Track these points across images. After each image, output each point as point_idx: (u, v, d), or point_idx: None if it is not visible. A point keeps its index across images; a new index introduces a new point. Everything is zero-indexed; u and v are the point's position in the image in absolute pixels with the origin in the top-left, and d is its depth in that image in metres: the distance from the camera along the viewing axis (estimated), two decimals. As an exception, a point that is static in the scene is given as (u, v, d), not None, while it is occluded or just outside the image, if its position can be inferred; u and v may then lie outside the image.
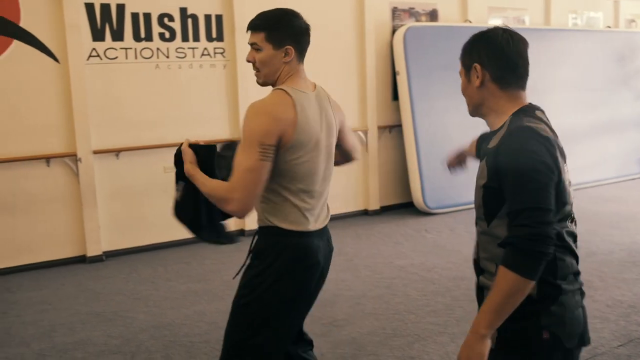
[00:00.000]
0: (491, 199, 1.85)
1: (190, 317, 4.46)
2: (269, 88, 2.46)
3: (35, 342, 4.12)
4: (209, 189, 2.27)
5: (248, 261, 2.43)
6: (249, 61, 2.39)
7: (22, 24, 5.54)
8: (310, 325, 4.17)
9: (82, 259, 5.89)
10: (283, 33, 2.32)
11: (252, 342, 2.34)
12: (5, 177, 5.55)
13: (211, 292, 4.98)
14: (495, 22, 8.43)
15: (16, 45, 5.53)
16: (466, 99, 2.01)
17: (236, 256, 5.81)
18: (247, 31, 2.36)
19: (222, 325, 4.09)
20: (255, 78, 2.48)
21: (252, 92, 6.40)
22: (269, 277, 2.32)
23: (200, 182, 2.30)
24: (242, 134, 2.25)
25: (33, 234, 5.69)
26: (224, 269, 5.53)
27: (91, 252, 5.90)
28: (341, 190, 7.30)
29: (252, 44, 2.35)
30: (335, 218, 7.11)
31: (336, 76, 7.11)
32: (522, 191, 1.73)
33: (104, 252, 5.97)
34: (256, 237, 2.42)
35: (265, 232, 2.38)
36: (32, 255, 5.69)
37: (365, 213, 7.56)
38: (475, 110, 2.00)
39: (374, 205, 7.56)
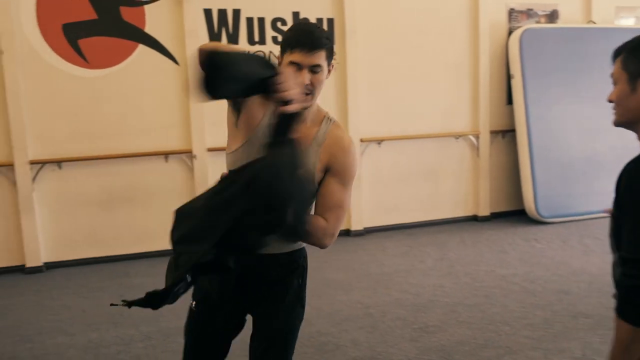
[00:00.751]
0: (617, 231, 1.68)
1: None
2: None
3: (144, 325, 4.43)
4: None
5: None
6: (305, 84, 2.02)
7: (146, 30, 5.95)
8: (401, 328, 4.22)
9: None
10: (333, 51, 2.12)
11: None
12: (128, 171, 5.99)
13: (309, 289, 5.02)
14: (624, 22, 7.97)
15: (141, 49, 5.96)
16: (618, 109, 1.76)
17: (342, 255, 5.94)
18: (303, 51, 1.98)
19: (316, 322, 4.27)
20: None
21: (362, 95, 6.55)
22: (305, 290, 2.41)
23: None
24: (348, 170, 2.14)
25: (150, 224, 6.11)
26: (325, 267, 5.66)
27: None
28: (450, 195, 7.24)
29: (314, 66, 2.01)
30: (442, 223, 7.15)
31: (447, 78, 7.06)
32: (637, 238, 1.58)
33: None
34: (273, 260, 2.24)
35: (297, 253, 2.33)
36: (147, 244, 6.09)
37: (474, 219, 7.42)
38: (629, 123, 1.75)
39: (484, 212, 7.40)
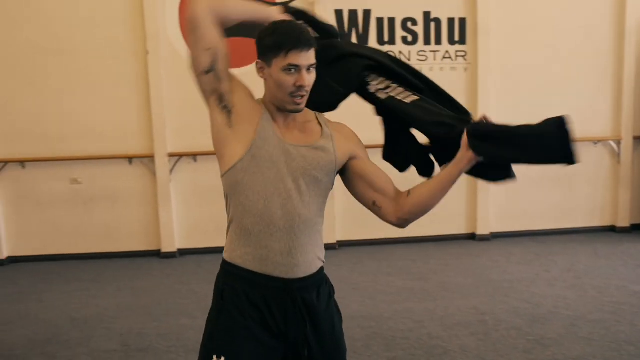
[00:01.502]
0: None
1: (398, 313, 4.64)
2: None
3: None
4: None
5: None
6: (303, 86, 1.89)
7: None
8: (515, 339, 4.11)
9: (318, 246, 6.41)
10: None
11: None
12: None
13: (426, 292, 5.10)
14: None
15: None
16: None
17: (464, 259, 5.87)
18: (301, 50, 1.85)
19: (428, 325, 4.27)
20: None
21: (492, 97, 6.39)
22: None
23: None
24: (363, 146, 2.18)
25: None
26: (446, 270, 5.62)
27: (326, 239, 6.34)
28: (584, 203, 6.89)
29: (311, 65, 1.90)
30: (574, 232, 6.83)
31: (585, 80, 6.71)
32: None
33: (338, 242, 6.43)
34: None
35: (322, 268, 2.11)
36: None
37: (611, 230, 7.01)
38: None
39: (623, 222, 6.96)
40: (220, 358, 1.90)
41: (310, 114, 2.08)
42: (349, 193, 6.80)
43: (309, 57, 1.88)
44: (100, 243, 6.16)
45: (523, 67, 6.52)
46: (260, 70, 1.95)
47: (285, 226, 1.91)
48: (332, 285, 2.15)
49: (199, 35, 1.84)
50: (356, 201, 6.67)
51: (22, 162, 6.06)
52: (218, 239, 6.26)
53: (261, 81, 1.96)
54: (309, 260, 1.98)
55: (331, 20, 6.20)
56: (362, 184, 2.14)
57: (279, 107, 1.95)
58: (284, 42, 1.85)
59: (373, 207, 2.18)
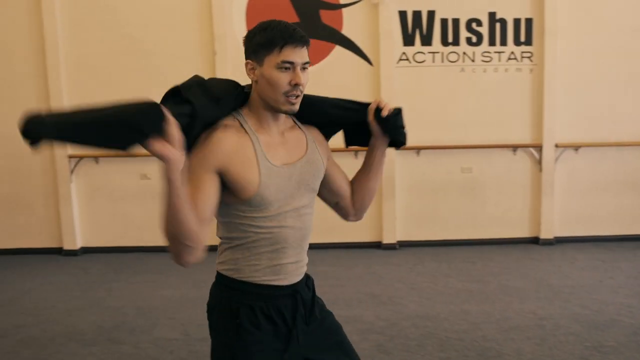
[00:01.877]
0: None
1: (455, 314, 4.64)
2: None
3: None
4: None
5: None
6: (298, 84, 1.83)
7: (343, 32, 6.26)
8: (572, 344, 4.06)
9: (377, 245, 6.47)
10: None
11: None
12: (319, 165, 6.37)
13: (484, 294, 5.08)
14: None
15: (337, 50, 6.29)
16: None
17: (525, 263, 5.80)
18: (295, 47, 1.82)
19: (483, 327, 4.25)
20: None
21: (559, 98, 6.28)
22: None
23: None
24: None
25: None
26: (505, 273, 5.57)
27: (387, 239, 6.44)
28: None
29: (306, 63, 1.86)
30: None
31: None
32: None
33: (398, 242, 6.46)
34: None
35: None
36: (336, 234, 6.43)
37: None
38: None
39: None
40: None
41: (289, 118, 2.02)
42: (410, 193, 6.87)
43: (303, 54, 1.83)
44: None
45: (591, 68, 6.36)
46: (250, 71, 1.89)
47: (296, 241, 1.96)
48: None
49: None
50: (417, 201, 6.73)
51: (96, 158, 6.36)
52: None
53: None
54: (306, 262, 2.07)
55: (394, 22, 6.23)
56: (329, 186, 2.13)
57: (271, 108, 1.88)
58: (278, 38, 1.80)
59: (336, 207, 2.21)
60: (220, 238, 1.97)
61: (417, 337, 4.25)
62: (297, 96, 1.86)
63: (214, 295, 2.01)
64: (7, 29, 6.25)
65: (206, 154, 1.80)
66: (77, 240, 6.48)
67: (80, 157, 6.34)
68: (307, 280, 2.12)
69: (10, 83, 6.31)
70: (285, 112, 1.89)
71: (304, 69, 1.84)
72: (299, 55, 1.82)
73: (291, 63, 1.81)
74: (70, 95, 6.28)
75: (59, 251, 6.51)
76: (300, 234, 1.96)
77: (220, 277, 1.99)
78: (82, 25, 6.24)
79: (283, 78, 1.81)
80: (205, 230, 1.74)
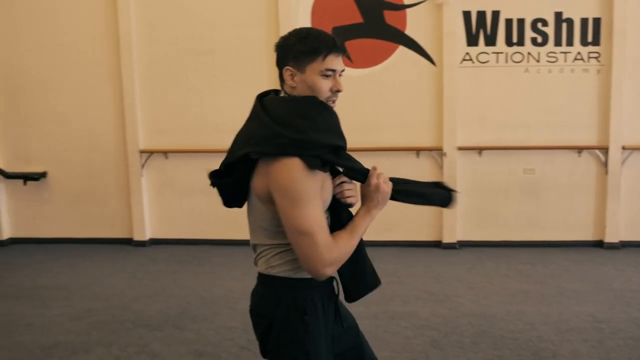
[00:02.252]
0: None
1: (511, 314, 4.63)
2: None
3: (374, 306, 4.82)
4: None
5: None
6: (339, 90, 1.99)
7: (407, 32, 6.32)
8: (631, 349, 4.02)
9: (438, 244, 6.49)
10: None
11: None
12: (379, 164, 6.41)
13: (542, 295, 5.04)
14: None
15: (401, 50, 6.35)
16: None
17: (587, 266, 5.72)
18: (337, 55, 1.94)
19: (539, 327, 4.25)
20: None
21: (627, 99, 6.16)
22: None
23: None
24: None
25: (400, 214, 6.50)
26: (565, 276, 5.51)
27: (447, 239, 6.45)
28: None
29: (342, 71, 2.00)
30: None
31: None
32: None
33: (458, 241, 6.46)
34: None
35: None
36: (396, 232, 6.49)
37: None
38: None
39: None
40: None
41: None
42: (471, 193, 6.89)
43: (341, 62, 1.96)
44: (230, 230, 6.55)
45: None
46: (290, 77, 1.95)
47: None
48: None
49: None
50: (478, 202, 6.72)
51: (165, 153, 6.64)
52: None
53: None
54: None
55: (458, 22, 6.23)
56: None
57: None
58: (321, 47, 1.90)
59: None
60: (269, 245, 2.03)
61: (472, 334, 4.28)
62: (334, 101, 2.00)
63: (273, 298, 2.04)
64: (85, 30, 6.60)
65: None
66: (147, 231, 6.78)
67: (151, 152, 6.63)
68: None
69: (87, 81, 6.66)
70: None
71: (341, 75, 1.98)
72: (339, 63, 1.95)
73: (333, 70, 1.94)
74: (142, 93, 6.58)
75: (129, 242, 6.82)
76: None
77: (276, 279, 2.03)
78: (155, 27, 6.53)
79: (325, 84, 1.94)
80: None
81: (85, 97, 6.68)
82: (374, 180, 2.03)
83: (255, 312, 2.10)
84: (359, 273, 2.10)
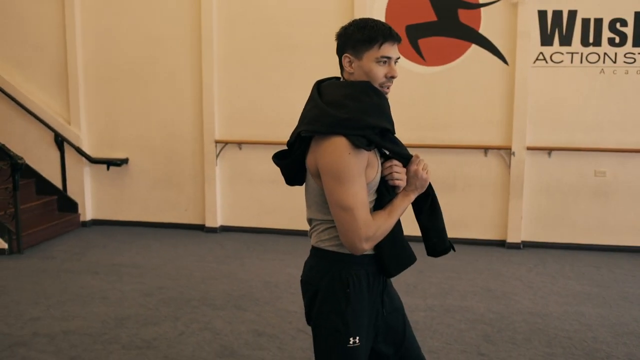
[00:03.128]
0: None
1: (568, 314, 4.61)
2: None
3: (430, 299, 4.90)
4: None
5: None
6: (394, 76, 2.13)
7: (480, 30, 6.32)
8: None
9: (502, 244, 6.47)
10: None
11: None
12: (447, 161, 6.49)
13: (602, 298, 4.97)
14: None
15: (473, 48, 6.35)
16: None
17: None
18: (392, 43, 2.09)
19: (596, 329, 4.24)
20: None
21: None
22: None
23: None
24: None
25: (465, 212, 6.53)
26: (631, 281, 5.40)
27: (511, 238, 6.42)
28: None
29: (397, 59, 2.15)
30: None
31: None
32: None
33: (522, 242, 6.42)
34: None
35: None
36: (460, 230, 6.52)
37: None
38: None
39: None
40: (356, 338, 2.13)
41: None
42: (538, 194, 6.90)
43: (397, 50, 2.10)
44: (296, 221, 6.70)
45: None
46: (348, 64, 2.11)
47: None
48: None
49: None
50: (545, 203, 6.73)
51: (239, 144, 6.91)
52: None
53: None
54: None
55: (533, 21, 6.18)
56: None
57: None
58: (378, 36, 2.05)
59: None
60: (320, 220, 2.19)
61: (525, 331, 4.29)
62: (389, 87, 2.14)
63: (318, 269, 2.20)
64: (170, 26, 6.95)
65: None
66: (218, 218, 7.07)
67: (225, 143, 6.92)
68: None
69: (169, 74, 7.01)
70: None
71: (396, 62, 2.13)
72: (394, 51, 2.10)
73: (388, 58, 2.08)
74: (220, 87, 6.87)
75: (201, 227, 7.14)
76: None
77: (325, 252, 2.18)
78: (235, 23, 6.79)
79: (381, 70, 2.08)
80: None
81: (168, 90, 7.03)
82: (413, 167, 2.16)
83: (305, 281, 2.27)
84: (397, 251, 2.20)
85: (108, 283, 5.32)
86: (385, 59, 2.07)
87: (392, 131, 2.13)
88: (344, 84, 2.14)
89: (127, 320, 4.50)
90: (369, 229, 2.02)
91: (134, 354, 3.95)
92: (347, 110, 2.02)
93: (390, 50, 2.08)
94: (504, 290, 5.15)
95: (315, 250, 2.24)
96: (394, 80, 2.14)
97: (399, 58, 2.14)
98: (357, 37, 2.07)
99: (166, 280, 5.40)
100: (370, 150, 2.05)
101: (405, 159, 2.17)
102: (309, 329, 4.24)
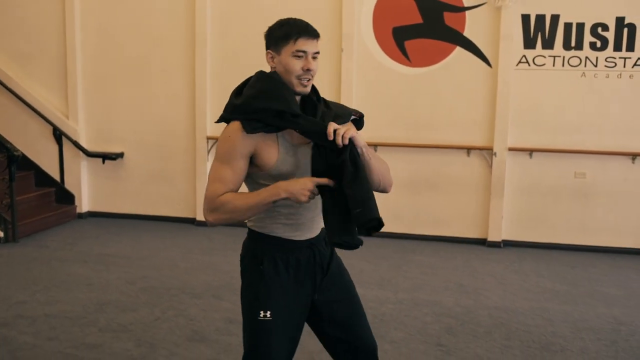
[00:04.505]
0: None
1: (532, 310, 4.75)
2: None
3: (402, 293, 5.07)
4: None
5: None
6: (310, 70, 2.24)
7: (465, 33, 6.46)
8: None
9: (482, 242, 6.61)
10: None
11: None
12: (430, 160, 6.64)
13: (571, 296, 5.10)
14: None
15: (458, 50, 6.50)
16: None
17: (628, 272, 5.69)
18: (308, 38, 2.23)
19: (557, 324, 4.42)
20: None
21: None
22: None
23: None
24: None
25: (447, 211, 6.68)
26: (602, 280, 5.53)
27: (492, 237, 6.56)
28: None
29: (316, 53, 2.26)
30: None
31: None
32: None
33: (503, 240, 6.56)
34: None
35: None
36: (442, 228, 6.67)
37: None
38: None
39: None
40: (267, 312, 2.30)
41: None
42: (519, 194, 7.07)
43: (314, 45, 2.23)
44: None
45: None
46: (270, 59, 2.28)
47: (310, 205, 2.32)
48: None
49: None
50: (526, 203, 6.92)
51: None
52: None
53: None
54: (321, 221, 2.36)
55: (516, 25, 6.31)
56: None
57: None
58: (292, 32, 2.21)
59: None
60: None
61: (488, 325, 4.44)
62: (309, 79, 2.26)
63: (245, 246, 2.44)
64: (165, 24, 7.16)
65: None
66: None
67: (216, 139, 7.10)
68: (325, 237, 2.44)
69: (164, 72, 7.23)
70: (299, 93, 2.28)
71: (314, 58, 2.25)
72: (310, 46, 2.23)
73: (304, 52, 2.22)
74: (211, 85, 7.07)
75: (192, 221, 7.34)
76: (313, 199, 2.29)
77: (250, 231, 2.41)
78: (227, 23, 6.99)
79: (297, 64, 2.22)
80: None
81: (162, 87, 7.25)
82: (330, 129, 2.16)
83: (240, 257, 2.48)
84: (339, 224, 2.22)
85: (95, 271, 5.53)
86: (301, 53, 2.21)
87: (291, 113, 2.19)
88: (252, 77, 2.34)
89: (107, 305, 4.71)
90: (213, 203, 2.20)
91: (109, 336, 4.15)
92: (242, 97, 2.24)
93: (306, 44, 2.22)
94: (476, 286, 5.30)
95: (248, 230, 2.44)
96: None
97: (317, 52, 2.25)
98: (276, 34, 2.25)
99: (151, 270, 5.60)
100: (254, 133, 2.18)
101: (319, 132, 2.19)
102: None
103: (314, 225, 2.41)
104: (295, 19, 2.29)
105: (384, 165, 2.40)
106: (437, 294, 5.08)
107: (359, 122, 2.50)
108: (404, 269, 5.71)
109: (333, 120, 2.25)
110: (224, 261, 5.88)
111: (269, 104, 2.20)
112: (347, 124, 2.36)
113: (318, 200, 2.31)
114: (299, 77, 2.24)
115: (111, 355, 3.88)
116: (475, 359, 3.92)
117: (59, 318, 4.44)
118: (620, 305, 4.91)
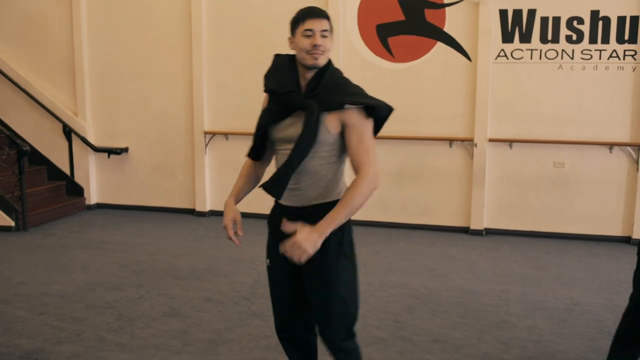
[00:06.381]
0: None
1: (494, 291, 5.00)
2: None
3: (373, 275, 5.36)
4: (359, 202, 2.48)
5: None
6: (317, 45, 2.50)
7: (445, 29, 6.73)
8: (590, 329, 4.31)
9: (465, 230, 6.87)
10: None
11: None
12: (415, 152, 6.92)
13: (536, 280, 5.33)
14: None
15: (439, 46, 6.77)
16: None
17: (601, 259, 5.83)
18: (315, 18, 2.50)
19: (513, 305, 4.80)
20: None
21: None
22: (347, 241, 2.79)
23: (344, 215, 2.49)
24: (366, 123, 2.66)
25: (432, 200, 6.95)
26: (571, 265, 5.74)
27: (474, 225, 6.81)
28: None
29: (324, 31, 2.51)
30: None
31: None
32: None
33: (485, 229, 6.81)
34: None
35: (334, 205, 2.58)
36: (428, 217, 6.95)
37: None
38: None
39: None
40: (267, 260, 2.91)
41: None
42: (500, 184, 7.38)
43: (321, 24, 2.51)
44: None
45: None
46: (290, 43, 2.60)
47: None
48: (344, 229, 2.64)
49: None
50: (507, 192, 7.22)
51: (226, 135, 7.47)
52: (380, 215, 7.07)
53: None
54: (309, 195, 2.65)
55: (494, 20, 6.55)
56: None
57: (303, 66, 2.56)
58: (301, 15, 2.55)
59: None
60: None
61: (448, 304, 4.72)
62: (318, 54, 2.51)
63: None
64: (163, 24, 7.57)
65: None
66: (207, 203, 7.67)
67: (214, 134, 7.50)
68: (317, 214, 2.55)
69: (164, 71, 7.64)
70: (311, 66, 2.54)
71: (324, 36, 2.52)
72: (317, 24, 2.51)
73: (311, 30, 2.51)
74: (208, 82, 7.46)
75: (192, 212, 7.75)
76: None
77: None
78: (222, 24, 7.36)
79: (306, 41, 2.51)
80: None
81: (163, 84, 7.66)
82: (281, 249, 2.48)
83: None
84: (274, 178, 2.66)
85: (92, 256, 5.96)
86: (309, 32, 2.50)
87: (276, 92, 2.64)
88: None
89: (98, 285, 5.11)
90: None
91: (94, 312, 4.54)
92: None
93: (313, 23, 2.50)
94: (446, 270, 5.57)
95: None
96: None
97: (325, 30, 2.51)
98: (292, 21, 2.59)
99: (144, 255, 6.00)
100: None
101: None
102: (252, 297, 4.86)
103: (295, 194, 2.70)
104: (308, 7, 2.61)
105: (358, 200, 2.47)
106: (407, 277, 5.37)
107: (374, 111, 2.72)
108: (382, 255, 6.01)
109: (319, 105, 2.51)
110: (213, 247, 6.25)
111: (266, 82, 2.72)
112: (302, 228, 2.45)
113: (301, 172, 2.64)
114: (309, 52, 2.52)
115: (92, 327, 4.27)
116: (427, 333, 4.20)
117: (52, 296, 4.86)
118: (581, 288, 5.13)
